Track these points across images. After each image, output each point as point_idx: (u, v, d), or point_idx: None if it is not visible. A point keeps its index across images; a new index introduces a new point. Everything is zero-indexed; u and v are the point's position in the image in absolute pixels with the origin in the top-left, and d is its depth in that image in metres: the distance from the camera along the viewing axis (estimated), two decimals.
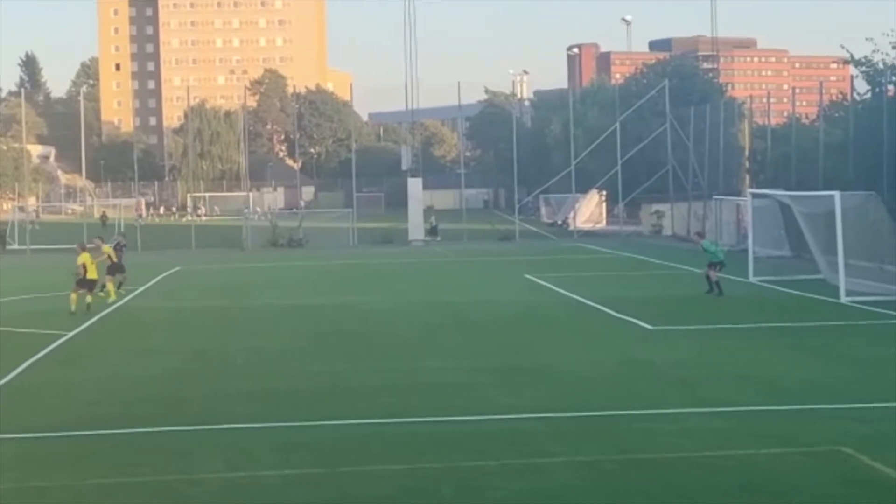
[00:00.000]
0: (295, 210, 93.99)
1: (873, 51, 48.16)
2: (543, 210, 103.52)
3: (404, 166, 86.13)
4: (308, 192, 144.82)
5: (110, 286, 37.39)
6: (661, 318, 30.06)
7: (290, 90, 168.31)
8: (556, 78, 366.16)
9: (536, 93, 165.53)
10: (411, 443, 16.02)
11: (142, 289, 41.13)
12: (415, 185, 75.76)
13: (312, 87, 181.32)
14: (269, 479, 14.20)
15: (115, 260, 38.28)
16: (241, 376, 22.08)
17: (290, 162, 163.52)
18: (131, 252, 49.25)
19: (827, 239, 37.17)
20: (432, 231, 74.04)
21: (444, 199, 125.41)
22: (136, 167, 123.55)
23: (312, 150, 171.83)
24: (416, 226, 73.49)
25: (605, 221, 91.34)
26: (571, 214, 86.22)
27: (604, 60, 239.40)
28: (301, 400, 19.54)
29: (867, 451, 14.73)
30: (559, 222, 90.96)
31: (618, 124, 79.52)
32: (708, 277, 36.42)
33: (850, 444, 15.20)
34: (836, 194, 35.24)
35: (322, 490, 13.70)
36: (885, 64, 47.51)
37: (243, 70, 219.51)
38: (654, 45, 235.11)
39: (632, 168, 79.94)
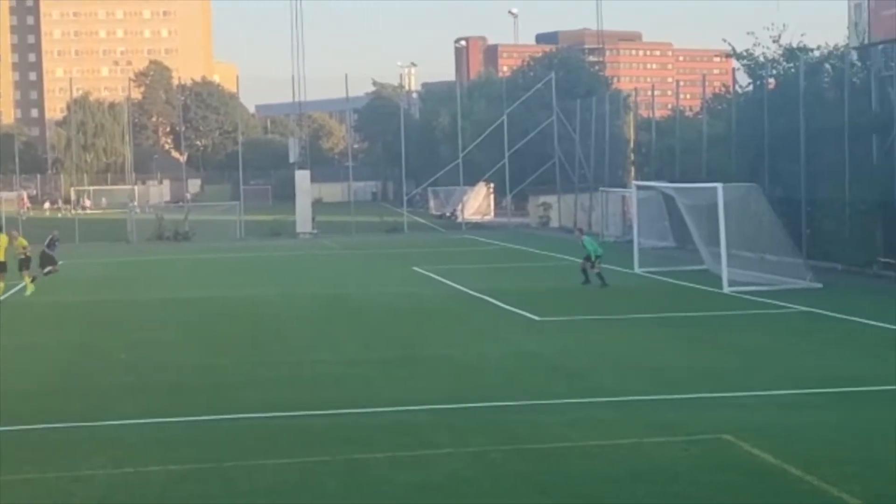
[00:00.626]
0: (181, 203, 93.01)
1: (754, 44, 49.00)
2: (432, 202, 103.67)
3: (292, 159, 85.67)
4: (194, 184, 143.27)
5: (27, 280, 37.56)
6: (547, 310, 30.24)
7: (175, 82, 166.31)
8: (444, 70, 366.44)
9: (424, 85, 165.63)
10: (298, 436, 15.91)
11: (24, 283, 40.36)
12: (302, 177, 75.39)
13: (198, 79, 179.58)
14: (154, 474, 13.99)
15: (28, 255, 37.98)
16: (126, 371, 21.77)
17: (175, 154, 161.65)
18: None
19: (710, 230, 37.72)
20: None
21: (333, 191, 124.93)
22: (17, 160, 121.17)
23: (199, 143, 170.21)
24: (303, 218, 73.11)
25: (492, 213, 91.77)
26: (460, 206, 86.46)
27: (491, 53, 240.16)
28: (186, 394, 19.32)
29: (748, 439, 14.94)
30: (447, 214, 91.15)
31: (505, 117, 79.90)
32: (584, 270, 36.76)
33: (732, 431, 15.41)
34: (719, 186, 35.76)
35: (207, 485, 13.54)
36: (765, 57, 48.32)
37: (128, 61, 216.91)
38: (541, 38, 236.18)
39: (519, 160, 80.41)
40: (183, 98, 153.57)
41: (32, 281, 37.74)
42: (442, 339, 25.62)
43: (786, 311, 29.40)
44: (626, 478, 13.36)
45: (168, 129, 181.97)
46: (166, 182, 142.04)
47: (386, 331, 27.31)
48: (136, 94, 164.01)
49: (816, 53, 47.17)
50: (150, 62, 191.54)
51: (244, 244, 65.28)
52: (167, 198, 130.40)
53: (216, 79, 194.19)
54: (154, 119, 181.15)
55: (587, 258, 36.72)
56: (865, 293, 33.26)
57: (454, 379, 20.41)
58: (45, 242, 40.74)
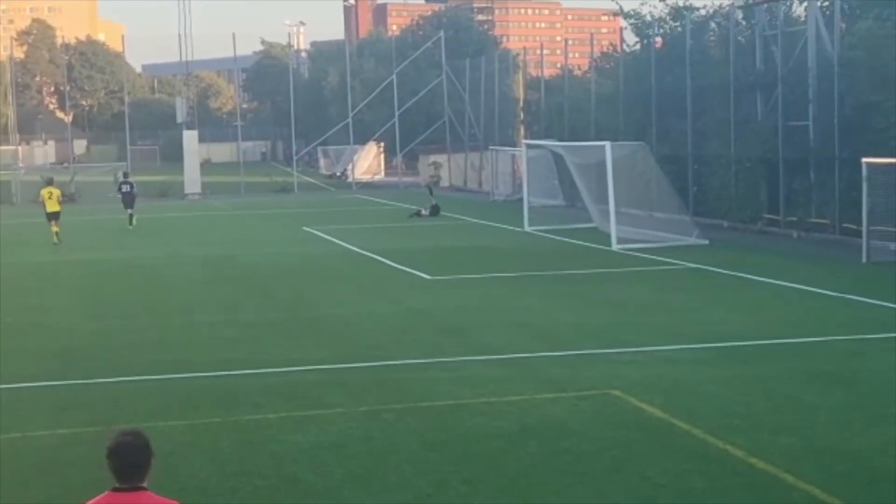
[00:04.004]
0: (66, 164, 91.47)
1: (642, 3, 49.34)
2: (322, 162, 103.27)
3: (179, 119, 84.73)
4: (80, 145, 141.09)
5: None
6: (438, 268, 30.36)
7: (59, 41, 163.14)
8: (333, 30, 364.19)
9: (313, 44, 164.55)
10: (188, 398, 15.83)
11: None
12: (190, 137, 74.57)
13: (83, 38, 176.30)
14: (43, 438, 13.85)
15: None
16: (12, 335, 21.44)
17: (60, 115, 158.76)
18: None
19: (599, 188, 38.10)
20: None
21: (221, 151, 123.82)
22: None
23: (84, 103, 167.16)
24: (192, 179, 72.35)
25: (383, 173, 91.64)
26: (350, 166, 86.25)
27: (380, 12, 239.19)
28: (74, 358, 19.09)
29: (636, 394, 15.21)
30: (338, 174, 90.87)
31: (394, 76, 79.73)
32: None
33: (621, 386, 15.67)
34: (607, 144, 36.13)
35: (97, 448, 13.20)
36: (652, 16, 48.73)
37: (9, 20, 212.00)
38: None
39: (409, 120, 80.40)
40: (67, 57, 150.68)
41: None
42: (333, 299, 25.59)
43: (673, 268, 29.83)
44: (518, 434, 13.52)
45: (52, 88, 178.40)
46: (51, 143, 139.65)
47: (276, 292, 27.22)
48: (19, 53, 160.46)
49: (703, 12, 47.67)
50: (33, 21, 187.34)
51: None
52: (52, 159, 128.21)
53: (101, 38, 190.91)
54: (38, 79, 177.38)
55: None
56: (750, 249, 33.85)
57: (345, 339, 20.43)
58: None
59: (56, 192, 42.32)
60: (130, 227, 46.42)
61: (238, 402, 15.52)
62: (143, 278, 30.55)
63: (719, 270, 28.90)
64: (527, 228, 40.94)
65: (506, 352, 18.64)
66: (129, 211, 47.64)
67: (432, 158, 79.58)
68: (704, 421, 13.77)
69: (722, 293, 25.49)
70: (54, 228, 40.95)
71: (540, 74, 65.44)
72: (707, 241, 34.80)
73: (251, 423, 14.34)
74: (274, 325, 22.07)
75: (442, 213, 49.11)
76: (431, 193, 52.60)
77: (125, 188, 48.70)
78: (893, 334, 19.43)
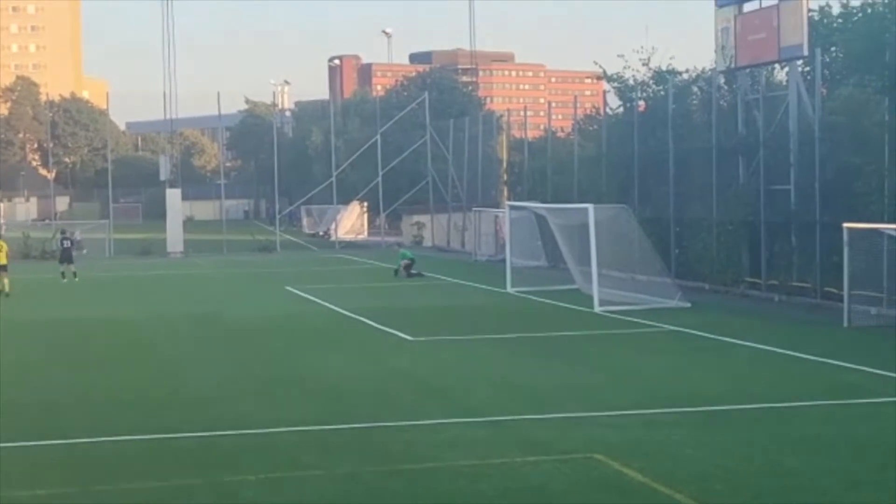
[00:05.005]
0: (48, 220, 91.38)
1: (625, 67, 49.66)
2: (305, 221, 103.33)
3: (163, 176, 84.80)
4: (63, 202, 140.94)
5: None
6: (420, 329, 30.35)
7: (43, 98, 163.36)
8: (317, 89, 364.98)
9: (298, 103, 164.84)
10: (167, 459, 15.77)
11: None
12: (173, 195, 74.70)
13: (67, 95, 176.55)
14: (20, 499, 13.77)
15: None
16: None
17: (43, 171, 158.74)
18: None
19: (581, 250, 38.19)
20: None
21: (205, 209, 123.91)
22: None
23: (67, 160, 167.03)
24: (174, 237, 72.34)
25: (366, 232, 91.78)
26: (333, 225, 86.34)
27: (365, 72, 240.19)
28: (54, 416, 18.99)
29: (617, 457, 15.19)
30: (321, 233, 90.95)
31: (378, 136, 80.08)
32: (398, 271, 48.52)
33: (602, 450, 15.65)
34: (590, 207, 36.23)
35: None
36: (635, 80, 49.03)
37: None
38: (415, 58, 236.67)
39: (393, 179, 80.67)
40: (51, 114, 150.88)
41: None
42: (314, 359, 25.56)
43: (654, 330, 29.87)
44: (499, 498, 13.49)
45: (35, 145, 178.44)
46: (33, 199, 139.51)
47: (257, 351, 27.18)
48: (3, 110, 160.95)
49: (685, 76, 48.04)
50: (17, 77, 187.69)
51: (113, 262, 64.45)
52: (34, 215, 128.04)
53: (86, 95, 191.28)
54: (21, 135, 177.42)
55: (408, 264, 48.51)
56: (731, 312, 33.91)
57: (325, 399, 20.38)
58: None
59: (5, 245, 44.33)
60: (64, 282, 48.43)
61: (217, 462, 15.46)
62: (124, 336, 30.47)
63: (701, 333, 28.94)
64: (509, 289, 40.98)
65: (488, 413, 18.62)
66: (66, 266, 49.88)
67: (415, 218, 79.76)
68: (685, 485, 13.76)
69: (703, 356, 25.53)
70: (4, 280, 42.78)
71: (523, 136, 65.73)
72: (689, 304, 34.87)
73: (231, 484, 14.28)
74: (255, 385, 22.01)
75: (424, 273, 49.11)
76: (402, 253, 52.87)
77: (65, 244, 51.34)
78: (874, 399, 19.47)
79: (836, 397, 19.83)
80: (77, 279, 49.06)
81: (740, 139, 39.75)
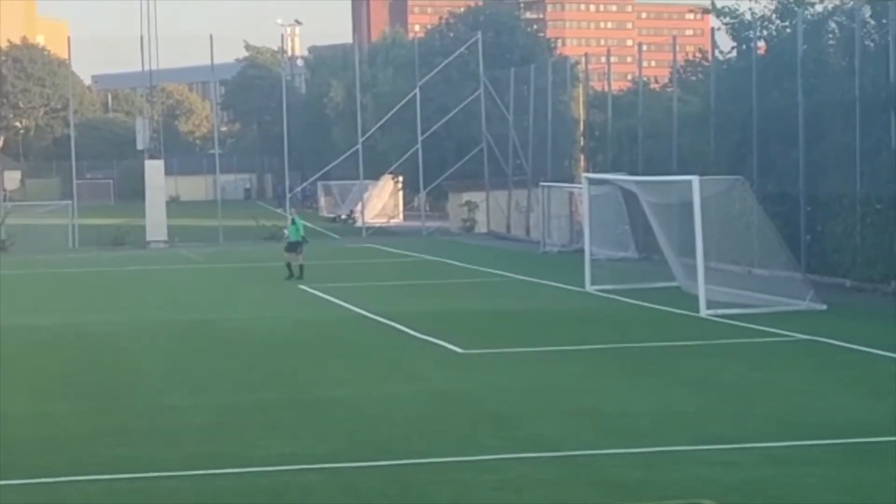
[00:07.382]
0: None
1: None
2: (323, 201, 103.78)
3: (140, 145, 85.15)
4: (13, 178, 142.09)
5: None
6: (474, 339, 30.37)
7: None
8: (337, 31, 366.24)
9: (312, 49, 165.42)
10: None
11: None
12: (154, 169, 74.99)
13: (17, 41, 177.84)
14: None
15: None
16: None
17: None
18: None
19: (682, 236, 38.03)
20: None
21: (194, 187, 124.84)
22: None
23: (18, 124, 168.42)
24: (155, 223, 72.64)
25: (401, 216, 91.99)
26: (359, 207, 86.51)
27: (399, 9, 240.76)
28: (10, 452, 19.09)
29: None
30: (343, 217, 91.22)
31: (417, 90, 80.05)
32: (288, 264, 47.07)
33: (713, 494, 15.57)
34: (694, 179, 36.08)
35: None
36: (754, 14, 48.74)
37: None
38: None
39: (436, 147, 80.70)
40: None
41: None
42: (336, 378, 25.62)
43: (779, 340, 29.74)
44: None
45: None
46: None
47: (264, 368, 27.28)
48: None
49: (819, 9, 47.72)
50: None
51: (79, 256, 64.80)
52: None
53: (40, 40, 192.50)
54: None
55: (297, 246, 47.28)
56: (881, 317, 33.70)
57: (353, 429, 20.40)
58: None
59: None
60: None
61: None
62: (94, 350, 30.61)
63: (839, 343, 28.80)
64: (589, 288, 40.92)
65: (562, 448, 18.60)
66: None
67: (465, 197, 79.71)
68: None
69: (843, 373, 25.38)
70: None
71: (606, 89, 65.54)
72: (824, 306, 34.70)
73: None
74: (261, 411, 22.08)
75: (477, 267, 49.02)
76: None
77: None
78: None
79: None
80: None
81: (893, 90, 39.43)
